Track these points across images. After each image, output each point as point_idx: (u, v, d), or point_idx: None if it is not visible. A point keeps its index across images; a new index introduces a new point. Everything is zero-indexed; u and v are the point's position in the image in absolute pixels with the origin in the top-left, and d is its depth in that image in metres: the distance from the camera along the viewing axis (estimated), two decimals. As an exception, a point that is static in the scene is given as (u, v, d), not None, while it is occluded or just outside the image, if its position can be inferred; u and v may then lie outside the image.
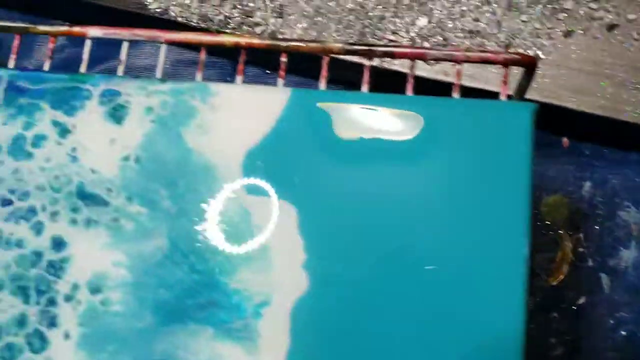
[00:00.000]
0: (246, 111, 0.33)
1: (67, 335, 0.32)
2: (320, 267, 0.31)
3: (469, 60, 0.33)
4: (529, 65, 0.33)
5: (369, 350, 0.30)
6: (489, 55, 0.33)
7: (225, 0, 0.47)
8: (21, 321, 0.32)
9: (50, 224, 0.33)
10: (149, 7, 0.48)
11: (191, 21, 0.47)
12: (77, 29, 0.37)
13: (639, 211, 0.46)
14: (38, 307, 0.32)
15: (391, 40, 0.45)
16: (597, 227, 0.46)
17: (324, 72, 0.34)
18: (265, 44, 0.35)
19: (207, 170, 0.33)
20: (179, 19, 0.48)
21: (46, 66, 0.37)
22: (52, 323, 0.32)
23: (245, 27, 0.46)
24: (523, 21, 0.44)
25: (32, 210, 0.34)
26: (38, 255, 0.33)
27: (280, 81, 0.35)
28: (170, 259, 0.32)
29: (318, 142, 0.32)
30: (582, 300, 0.45)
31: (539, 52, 0.44)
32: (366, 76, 0.34)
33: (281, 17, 0.46)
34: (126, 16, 0.51)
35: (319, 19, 0.46)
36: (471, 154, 0.31)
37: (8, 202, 0.34)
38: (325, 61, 0.34)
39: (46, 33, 0.38)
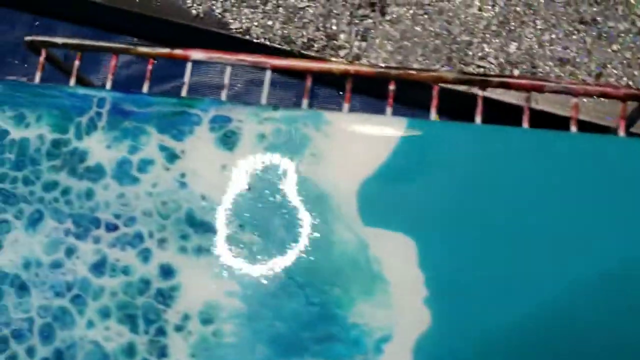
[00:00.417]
0: (361, 140, 0.32)
1: (178, 366, 0.31)
2: (443, 303, 0.30)
3: (587, 94, 0.33)
4: (648, 100, 0.32)
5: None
6: (608, 89, 0.32)
7: (308, 22, 0.47)
8: (130, 351, 0.32)
9: (158, 251, 0.33)
10: (231, 26, 0.48)
11: (274, 43, 0.47)
12: (178, 52, 0.37)
13: None
14: (147, 337, 0.32)
15: (479, 66, 0.44)
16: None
17: (435, 102, 0.34)
18: (375, 72, 0.34)
19: (322, 200, 0.32)
20: (261, 40, 0.47)
21: (145, 88, 0.37)
22: (163, 353, 0.31)
23: (328, 50, 0.46)
24: (614, 51, 0.44)
25: (139, 237, 0.33)
26: (146, 283, 0.33)
27: (389, 109, 0.34)
28: (285, 290, 0.31)
29: (436, 173, 0.32)
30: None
31: (630, 82, 0.43)
32: (480, 106, 0.33)
33: (365, 41, 0.46)
34: (193, 33, 0.51)
35: (405, 43, 0.45)
36: (598, 188, 0.30)
37: (113, 227, 0.34)
38: (435, 90, 0.34)
39: (146, 55, 0.37)
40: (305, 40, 0.47)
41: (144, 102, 0.35)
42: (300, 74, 0.36)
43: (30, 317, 0.33)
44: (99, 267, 0.33)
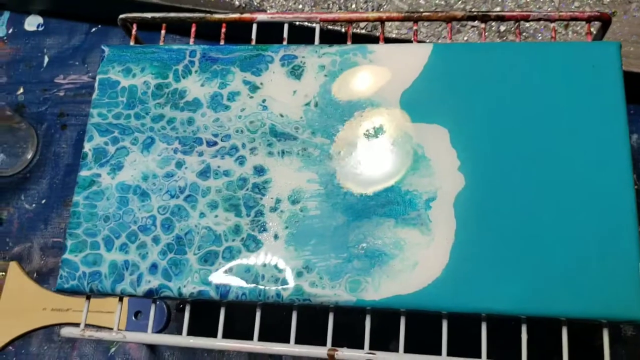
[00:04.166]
0: (399, 62, 0.43)
1: (276, 236, 0.41)
2: (472, 169, 0.40)
3: (561, 19, 0.44)
4: (606, 20, 0.44)
5: (513, 223, 0.39)
6: (576, 14, 0.44)
7: (332, 4, 0.58)
8: (236, 230, 0.41)
9: (251, 157, 0.43)
10: (269, 12, 0.59)
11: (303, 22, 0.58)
12: (246, 15, 0.47)
13: (679, 154, 0.57)
14: (249, 218, 0.41)
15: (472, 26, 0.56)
16: (646, 169, 0.57)
17: (449, 34, 0.45)
18: (402, 16, 0.46)
19: (373, 107, 0.43)
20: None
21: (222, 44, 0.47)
22: (263, 229, 0.41)
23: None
24: (576, 7, 0.56)
25: (235, 148, 0.43)
26: (244, 180, 0.42)
27: (415, 43, 0.45)
28: (352, 174, 0.41)
29: (457, 80, 0.42)
30: None
31: (593, 30, 0.55)
32: (483, 35, 0.45)
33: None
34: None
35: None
36: (570, 86, 0.41)
37: (213, 143, 0.43)
38: (449, 26, 0.45)
39: (219, 20, 0.48)
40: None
41: (227, 50, 0.46)
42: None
43: (152, 215, 0.42)
44: (204, 173, 0.43)
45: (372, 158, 0.42)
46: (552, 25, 0.44)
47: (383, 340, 0.41)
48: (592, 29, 0.45)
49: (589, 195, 0.39)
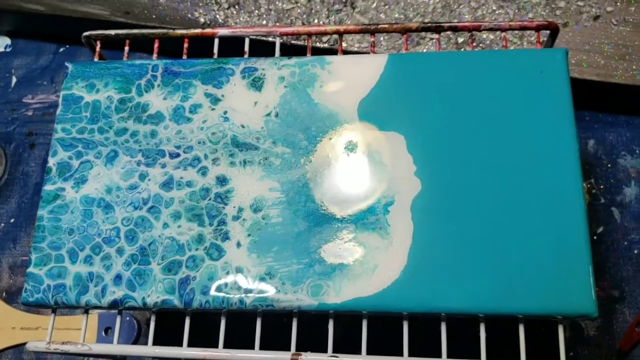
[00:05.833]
0: (356, 72, 0.44)
1: (239, 244, 0.41)
2: (428, 173, 0.41)
3: (511, 28, 0.46)
4: (554, 29, 0.46)
5: (469, 224, 0.40)
6: (526, 23, 0.46)
7: (295, 19, 0.59)
8: (199, 239, 0.42)
9: (213, 167, 0.44)
10: (232, 28, 0.60)
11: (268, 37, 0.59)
12: (208, 30, 0.49)
13: (634, 158, 0.59)
14: (212, 227, 0.42)
15: (431, 38, 0.58)
16: (603, 173, 0.59)
17: (405, 46, 0.46)
18: (359, 28, 0.47)
19: (332, 117, 0.44)
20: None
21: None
22: (226, 237, 0.42)
23: (313, 38, 0.58)
24: (530, 19, 0.58)
25: (197, 159, 0.44)
26: (206, 190, 0.43)
27: (372, 54, 0.46)
28: (313, 181, 0.42)
29: (412, 88, 0.44)
30: (600, 230, 0.57)
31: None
32: (438, 46, 0.46)
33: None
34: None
35: (372, 26, 0.58)
36: (520, 92, 0.42)
37: (176, 155, 0.44)
38: (405, 38, 0.47)
39: (182, 35, 0.49)
40: (294, 32, 0.59)
41: (189, 64, 0.47)
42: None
43: (116, 226, 0.43)
44: (167, 184, 0.43)
45: (331, 165, 0.43)
46: (502, 34, 0.46)
47: (353, 349, 0.41)
48: (543, 39, 0.47)
49: (541, 196, 0.40)
